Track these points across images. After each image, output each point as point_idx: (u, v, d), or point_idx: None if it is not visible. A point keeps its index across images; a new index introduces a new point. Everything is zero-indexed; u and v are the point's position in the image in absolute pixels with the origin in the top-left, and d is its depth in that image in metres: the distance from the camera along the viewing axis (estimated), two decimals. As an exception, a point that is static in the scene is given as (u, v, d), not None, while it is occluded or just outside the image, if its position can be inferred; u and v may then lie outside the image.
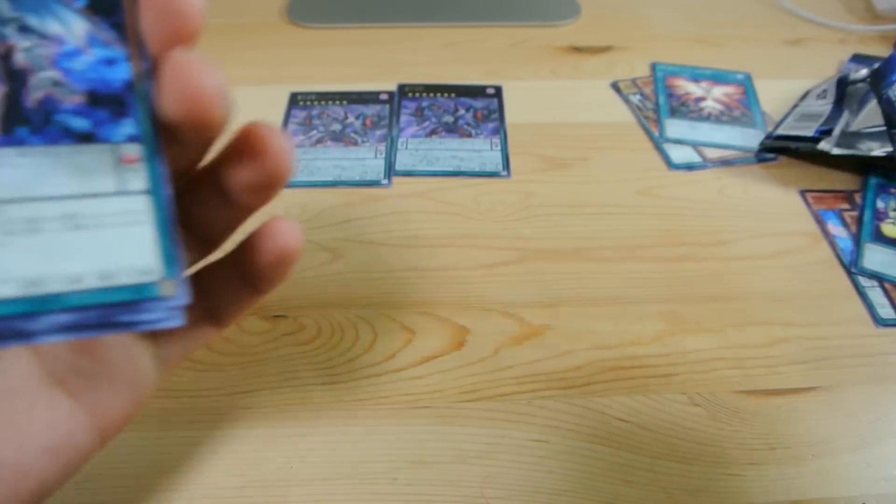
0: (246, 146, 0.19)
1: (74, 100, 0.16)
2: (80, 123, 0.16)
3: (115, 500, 0.25)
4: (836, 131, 0.38)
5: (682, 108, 0.44)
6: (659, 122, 0.43)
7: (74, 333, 0.15)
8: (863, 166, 0.39)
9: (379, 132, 0.42)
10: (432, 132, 0.42)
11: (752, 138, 0.42)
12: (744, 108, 0.44)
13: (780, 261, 0.34)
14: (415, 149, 0.41)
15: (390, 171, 0.39)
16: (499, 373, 0.29)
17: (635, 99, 0.45)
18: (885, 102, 0.38)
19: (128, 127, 0.16)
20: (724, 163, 0.40)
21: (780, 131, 0.41)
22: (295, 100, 0.45)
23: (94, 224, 0.16)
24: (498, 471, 0.26)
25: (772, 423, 0.27)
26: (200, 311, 0.21)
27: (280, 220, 0.19)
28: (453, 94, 0.45)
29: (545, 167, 0.40)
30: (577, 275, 0.33)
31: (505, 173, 0.39)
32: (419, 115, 0.43)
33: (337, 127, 0.42)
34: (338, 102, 0.44)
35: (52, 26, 0.16)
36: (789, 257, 0.34)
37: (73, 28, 0.16)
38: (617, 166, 0.40)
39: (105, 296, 0.16)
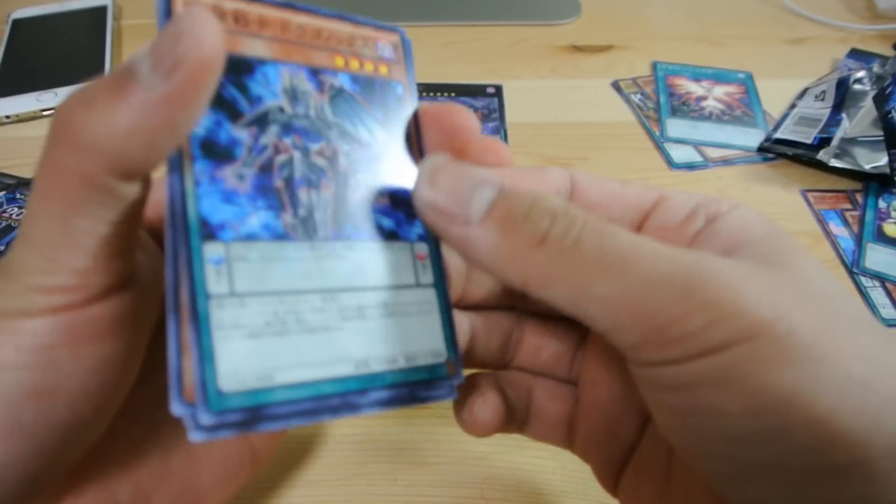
0: None
1: (381, 200, 0.19)
2: (386, 222, 0.19)
3: (114, 502, 0.25)
4: (835, 141, 0.38)
5: (683, 107, 0.44)
6: (660, 121, 0.43)
7: (386, 407, 0.17)
8: (863, 172, 0.39)
9: (379, 131, 0.42)
10: (432, 131, 0.42)
11: (753, 138, 0.41)
12: (745, 107, 0.44)
13: (782, 261, 0.34)
14: (415, 148, 0.41)
15: (390, 170, 0.39)
16: (499, 373, 0.29)
17: (636, 98, 0.45)
18: (889, 122, 0.38)
19: (417, 227, 0.19)
20: (726, 162, 0.40)
21: (779, 135, 0.40)
22: (294, 99, 0.45)
23: (402, 312, 0.18)
24: (498, 472, 0.26)
25: (774, 424, 0.27)
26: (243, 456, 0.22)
27: None
28: (454, 94, 0.45)
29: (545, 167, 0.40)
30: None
31: (505, 173, 0.39)
32: (419, 114, 0.43)
33: (337, 126, 0.42)
34: (337, 101, 0.44)
35: (363, 133, 0.19)
36: (791, 257, 0.34)
37: (377, 135, 0.19)
38: (618, 166, 0.40)
39: (411, 375, 0.18)
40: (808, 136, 0.39)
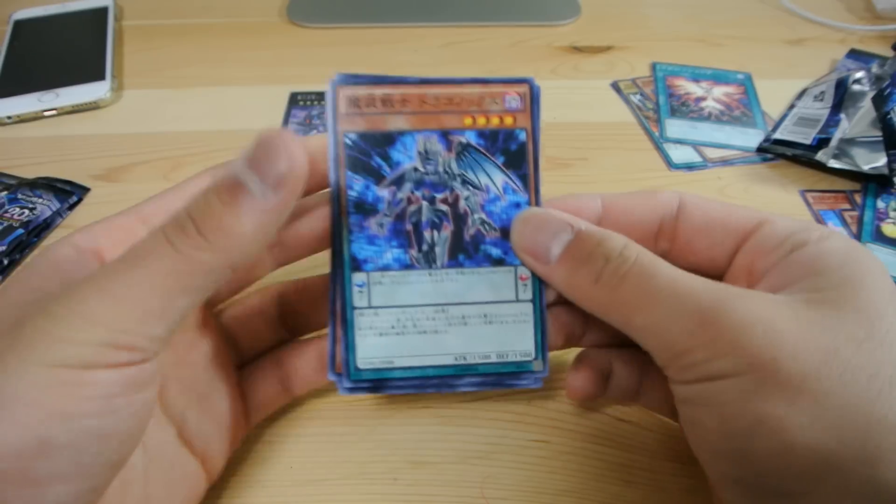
0: None
1: (493, 234, 0.23)
2: (496, 252, 0.23)
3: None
4: (834, 141, 0.38)
5: (682, 107, 0.44)
6: (659, 121, 0.43)
7: (477, 388, 0.24)
8: (862, 172, 0.39)
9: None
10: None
11: (752, 138, 0.42)
12: (744, 107, 0.44)
13: (781, 261, 0.34)
14: (415, 149, 0.41)
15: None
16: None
17: (635, 99, 0.45)
18: (887, 123, 0.38)
19: None
20: (725, 162, 0.40)
21: (778, 135, 0.41)
22: (295, 100, 0.45)
23: (499, 321, 0.23)
24: (498, 471, 0.26)
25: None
26: (239, 413, 0.24)
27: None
28: (453, 94, 0.45)
29: (545, 167, 0.40)
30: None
31: (505, 173, 0.39)
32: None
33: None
34: (338, 102, 0.44)
35: (483, 179, 0.23)
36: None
37: (495, 180, 0.23)
38: (617, 166, 0.40)
39: (500, 368, 0.24)
40: (806, 136, 0.39)
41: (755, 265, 0.22)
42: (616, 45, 0.50)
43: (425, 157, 0.23)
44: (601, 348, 0.25)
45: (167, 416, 0.22)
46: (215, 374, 0.23)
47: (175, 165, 0.40)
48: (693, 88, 0.46)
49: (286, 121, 0.43)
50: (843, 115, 0.40)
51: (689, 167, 0.40)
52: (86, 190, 0.38)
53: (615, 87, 0.46)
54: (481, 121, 0.23)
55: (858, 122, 0.39)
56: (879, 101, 0.39)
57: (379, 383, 0.23)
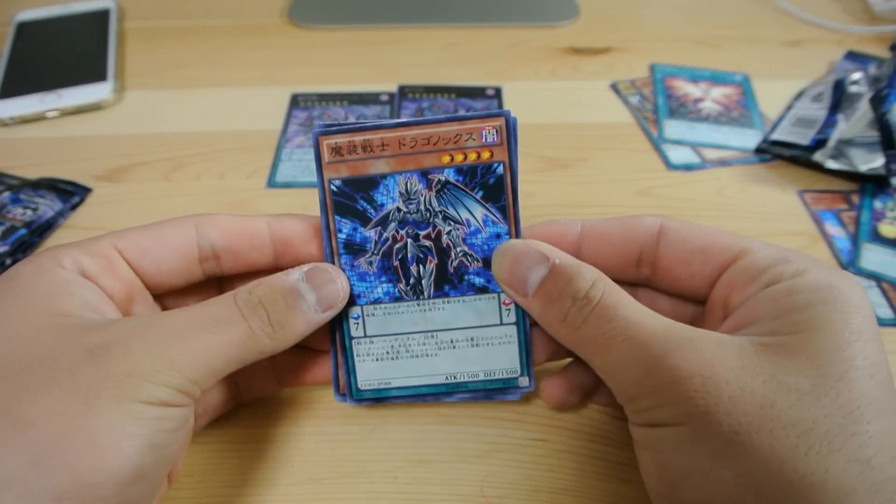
0: None
1: (476, 265, 0.25)
2: (479, 281, 0.25)
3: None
4: (831, 142, 0.38)
5: (680, 108, 0.44)
6: (658, 122, 0.43)
7: (467, 400, 0.26)
8: (859, 173, 0.39)
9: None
10: (432, 133, 0.42)
11: (750, 139, 0.42)
12: (742, 108, 0.44)
13: (779, 261, 0.34)
14: (415, 149, 0.41)
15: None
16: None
17: (634, 100, 0.45)
18: (885, 124, 0.38)
19: None
20: (723, 163, 0.40)
21: (776, 136, 0.41)
22: (296, 101, 0.45)
23: (486, 343, 0.25)
24: (498, 469, 0.26)
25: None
26: (230, 393, 0.26)
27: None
28: (453, 95, 0.45)
29: (545, 167, 0.40)
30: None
31: (505, 174, 0.40)
32: (419, 115, 0.44)
33: (337, 128, 0.43)
34: (338, 103, 0.45)
35: (463, 213, 0.24)
36: (787, 257, 0.34)
37: (475, 213, 0.24)
38: (616, 167, 0.40)
39: (488, 384, 0.26)
40: (804, 137, 0.40)
41: (730, 298, 0.22)
42: (615, 46, 0.51)
43: (407, 197, 0.24)
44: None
45: None
46: None
47: (177, 166, 0.40)
48: (691, 89, 0.46)
49: (287, 122, 0.43)
50: (840, 116, 0.40)
51: (688, 168, 0.40)
52: (88, 190, 0.38)
53: (614, 88, 0.46)
54: (459, 158, 0.24)
55: (856, 122, 0.39)
56: (877, 102, 0.39)
57: (378, 400, 0.26)
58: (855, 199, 0.38)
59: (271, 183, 0.39)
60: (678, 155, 0.41)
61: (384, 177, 0.24)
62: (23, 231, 0.35)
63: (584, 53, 0.50)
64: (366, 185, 0.24)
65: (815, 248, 0.35)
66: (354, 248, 0.24)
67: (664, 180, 0.39)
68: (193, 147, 0.41)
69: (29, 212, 0.36)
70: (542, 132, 0.42)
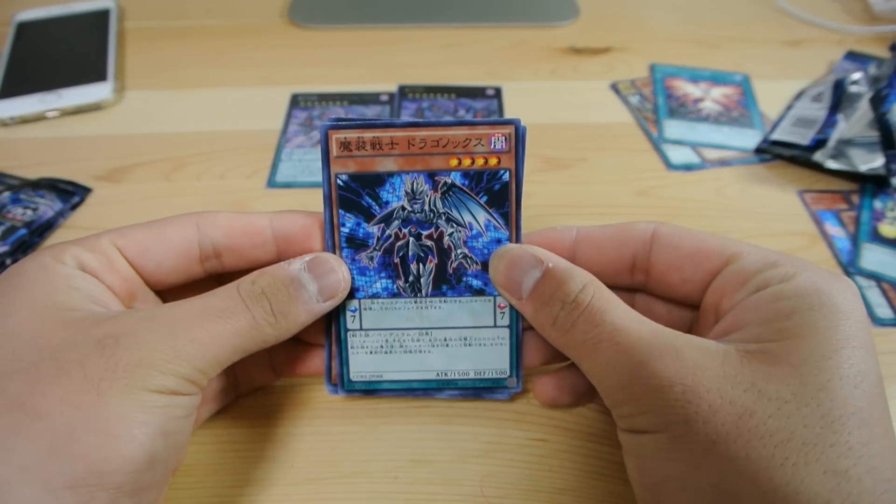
0: None
1: (475, 267, 0.25)
2: (476, 283, 0.25)
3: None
4: (831, 142, 0.38)
5: (680, 108, 0.44)
6: (658, 122, 0.43)
7: (456, 397, 0.27)
8: (859, 173, 0.39)
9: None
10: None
11: (750, 139, 0.42)
12: (742, 108, 0.44)
13: (778, 261, 0.34)
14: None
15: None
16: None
17: (634, 100, 0.45)
18: (884, 124, 0.38)
19: None
20: (723, 163, 0.40)
21: (776, 136, 0.41)
22: (296, 101, 0.45)
23: (478, 343, 0.26)
24: (498, 469, 0.26)
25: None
26: (229, 383, 0.27)
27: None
28: (453, 95, 0.45)
29: (544, 167, 0.40)
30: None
31: (505, 174, 0.40)
32: (419, 115, 0.44)
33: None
34: (338, 103, 0.45)
35: (466, 216, 0.24)
36: (787, 257, 0.34)
37: (478, 217, 0.24)
38: (616, 167, 0.40)
39: (477, 383, 0.26)
40: (804, 137, 0.40)
41: (721, 304, 0.22)
42: (615, 46, 0.51)
43: (412, 196, 0.24)
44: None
45: None
46: None
47: (177, 166, 0.40)
48: (691, 89, 0.46)
49: (287, 122, 0.43)
50: (840, 116, 0.40)
51: (688, 168, 0.40)
52: (88, 190, 0.38)
53: (614, 88, 0.46)
54: (467, 162, 0.24)
55: (856, 122, 0.39)
56: (877, 102, 0.39)
57: (369, 392, 0.26)
58: (855, 199, 0.38)
59: (271, 183, 0.39)
60: (678, 155, 0.41)
61: (391, 175, 0.24)
62: (23, 231, 0.35)
63: (584, 53, 0.50)
64: (372, 182, 0.24)
65: (815, 248, 0.35)
66: (356, 243, 0.25)
67: (664, 180, 0.39)
68: (193, 147, 0.41)
69: (29, 212, 0.36)
70: (542, 132, 0.42)
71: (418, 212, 0.24)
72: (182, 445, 0.21)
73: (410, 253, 0.25)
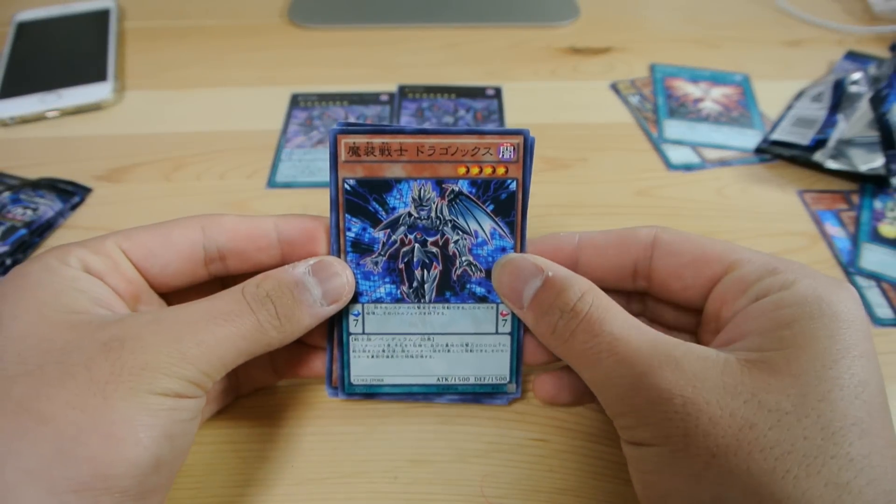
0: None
1: (478, 275, 0.25)
2: (480, 290, 0.25)
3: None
4: (831, 142, 0.38)
5: (680, 108, 0.44)
6: (658, 122, 0.43)
7: (455, 402, 0.27)
8: (859, 173, 0.39)
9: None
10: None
11: (750, 139, 0.42)
12: (742, 108, 0.44)
13: (778, 261, 0.34)
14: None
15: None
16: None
17: (634, 100, 0.45)
18: (884, 124, 0.38)
19: None
20: (723, 163, 0.40)
21: (776, 136, 0.41)
22: (296, 101, 0.45)
23: (479, 350, 0.26)
24: (497, 469, 0.26)
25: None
26: (231, 384, 0.27)
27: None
28: (453, 95, 0.45)
29: (544, 167, 0.40)
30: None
31: (505, 174, 0.40)
32: (419, 115, 0.44)
33: (337, 128, 0.43)
34: (339, 103, 0.45)
35: (472, 224, 0.25)
36: (787, 257, 0.34)
37: (484, 225, 0.25)
38: (616, 167, 0.40)
39: (477, 388, 0.27)
40: (804, 137, 0.40)
41: (722, 312, 0.22)
42: (615, 46, 0.51)
43: (420, 203, 0.24)
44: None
45: None
46: None
47: (177, 166, 0.40)
48: (691, 89, 0.46)
49: (287, 122, 0.43)
50: (840, 116, 0.40)
51: (688, 168, 0.40)
52: (88, 190, 0.38)
53: (614, 88, 0.46)
54: (474, 170, 0.24)
55: (856, 122, 0.39)
56: (877, 102, 0.39)
57: (369, 395, 0.27)
58: (855, 199, 0.38)
59: (271, 183, 0.39)
60: (678, 155, 0.41)
61: (399, 181, 0.24)
62: (23, 231, 0.35)
63: (584, 53, 0.50)
64: (380, 188, 0.24)
65: (815, 248, 0.35)
66: (362, 248, 0.25)
67: (664, 180, 0.39)
68: (193, 147, 0.41)
69: (29, 212, 0.36)
70: (542, 132, 0.42)
71: (425, 218, 0.24)
72: (187, 448, 0.21)
73: (415, 259, 0.25)
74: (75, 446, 0.17)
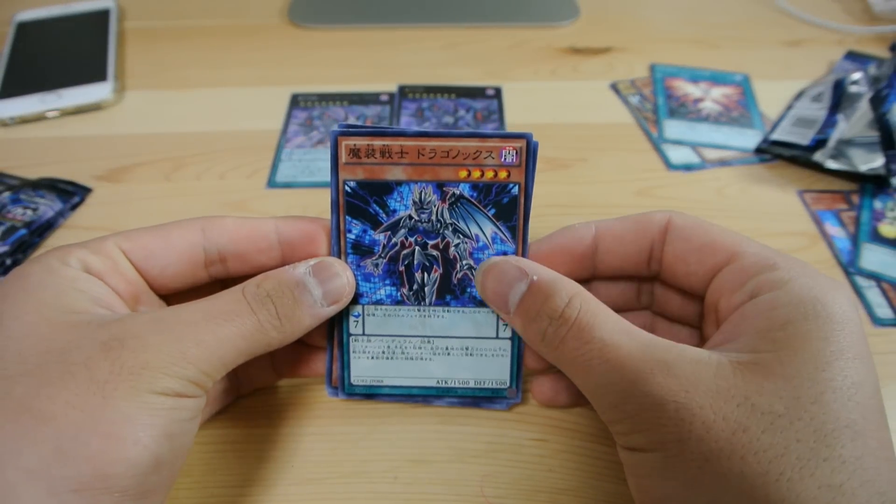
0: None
1: None
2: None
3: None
4: (831, 142, 0.38)
5: (680, 108, 0.44)
6: (658, 122, 0.43)
7: (454, 405, 0.27)
8: (859, 173, 0.39)
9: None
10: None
11: (750, 139, 0.42)
12: (742, 108, 0.44)
13: (778, 261, 0.34)
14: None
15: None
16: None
17: (634, 100, 0.45)
18: (884, 124, 0.38)
19: None
20: (723, 163, 0.40)
21: (776, 136, 0.41)
22: (296, 101, 0.45)
23: (479, 354, 0.26)
24: (497, 469, 0.26)
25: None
26: (231, 384, 0.27)
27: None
28: (453, 95, 0.45)
29: (545, 167, 0.40)
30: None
31: (505, 174, 0.40)
32: (419, 115, 0.44)
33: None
34: (339, 103, 0.45)
35: (473, 228, 0.24)
36: (787, 257, 0.34)
37: (485, 230, 0.24)
38: (616, 167, 0.40)
39: (477, 392, 0.27)
40: (804, 137, 0.40)
41: (720, 304, 0.22)
42: (615, 46, 0.51)
43: (420, 206, 0.24)
44: None
45: None
46: None
47: (177, 166, 0.40)
48: (691, 89, 0.46)
49: (287, 122, 0.43)
50: (840, 116, 0.40)
51: (688, 168, 0.40)
52: (88, 190, 0.38)
53: (614, 88, 0.46)
54: (476, 174, 0.24)
55: (856, 123, 0.39)
56: (877, 102, 0.39)
57: (369, 396, 0.27)
58: (855, 199, 0.38)
59: (271, 183, 0.39)
60: (678, 155, 0.41)
61: (399, 184, 0.24)
62: (23, 231, 0.35)
63: (584, 53, 0.50)
64: (380, 190, 0.24)
65: (815, 248, 0.35)
66: (362, 250, 0.25)
67: (664, 180, 0.39)
68: (193, 147, 0.41)
69: (29, 212, 0.36)
70: (542, 132, 0.42)
71: (425, 221, 0.24)
72: (187, 447, 0.21)
73: (416, 262, 0.25)
74: (75, 446, 0.17)
